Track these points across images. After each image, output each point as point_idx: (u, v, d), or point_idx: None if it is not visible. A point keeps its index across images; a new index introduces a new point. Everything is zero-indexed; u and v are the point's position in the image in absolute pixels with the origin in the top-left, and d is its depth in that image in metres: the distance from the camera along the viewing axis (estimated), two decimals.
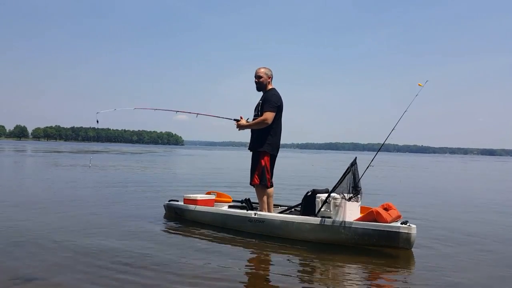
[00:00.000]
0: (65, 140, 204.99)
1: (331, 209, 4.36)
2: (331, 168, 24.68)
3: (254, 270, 3.63)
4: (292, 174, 17.09)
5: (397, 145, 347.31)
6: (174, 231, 5.02)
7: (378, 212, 4.13)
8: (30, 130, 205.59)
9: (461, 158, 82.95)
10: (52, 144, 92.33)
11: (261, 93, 5.23)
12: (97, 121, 5.59)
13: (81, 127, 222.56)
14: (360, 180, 4.63)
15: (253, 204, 5.52)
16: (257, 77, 5.14)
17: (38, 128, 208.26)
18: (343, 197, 4.33)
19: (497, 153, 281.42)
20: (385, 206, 4.49)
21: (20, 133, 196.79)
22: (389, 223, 4.13)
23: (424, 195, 9.88)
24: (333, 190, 4.38)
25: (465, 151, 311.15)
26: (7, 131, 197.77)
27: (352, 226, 4.22)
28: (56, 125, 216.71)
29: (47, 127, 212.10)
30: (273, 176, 5.20)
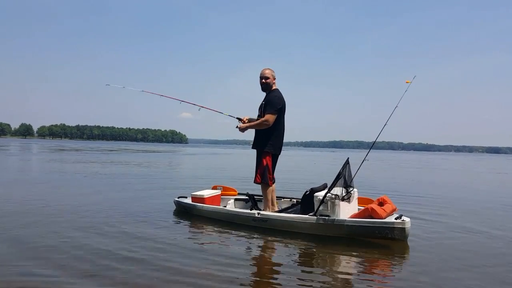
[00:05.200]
0: (70, 138, 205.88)
1: (328, 208, 4.60)
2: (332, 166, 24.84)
3: (256, 260, 3.85)
4: (296, 170, 17.30)
5: (401, 143, 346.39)
6: (182, 225, 5.27)
7: (373, 209, 4.36)
8: (35, 129, 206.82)
9: (467, 157, 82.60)
10: (65, 143, 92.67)
11: (264, 93, 5.41)
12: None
13: (86, 125, 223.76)
14: (353, 178, 4.86)
15: (256, 197, 5.77)
16: (264, 78, 5.31)
17: (43, 127, 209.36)
18: (338, 197, 4.56)
19: (503, 151, 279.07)
20: (380, 200, 4.71)
21: (25, 131, 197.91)
22: (384, 218, 4.35)
23: (427, 190, 10.00)
24: (329, 191, 4.62)
25: (470, 149, 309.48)
26: (13, 129, 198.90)
27: (348, 223, 4.46)
28: (61, 123, 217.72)
29: (52, 125, 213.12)
30: (277, 172, 5.42)
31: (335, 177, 4.64)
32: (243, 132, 5.35)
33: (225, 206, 6.00)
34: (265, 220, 5.03)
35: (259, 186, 5.32)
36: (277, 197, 5.65)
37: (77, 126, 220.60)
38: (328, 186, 4.73)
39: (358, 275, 3.43)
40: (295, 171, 17.65)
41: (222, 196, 6.17)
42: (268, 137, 5.19)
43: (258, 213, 5.10)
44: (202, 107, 6.01)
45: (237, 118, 5.52)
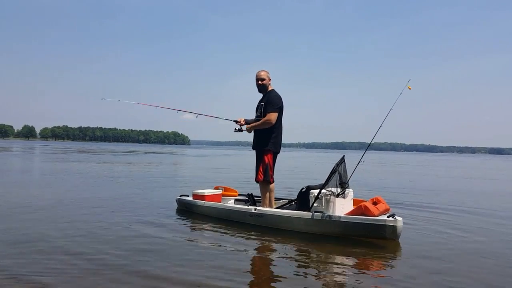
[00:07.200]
0: (73, 140, 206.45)
1: (323, 204, 4.74)
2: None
3: (252, 260, 3.94)
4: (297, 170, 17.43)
5: (404, 144, 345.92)
6: (181, 223, 5.39)
7: (366, 207, 4.47)
8: (38, 130, 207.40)
9: (471, 158, 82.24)
10: (69, 144, 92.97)
11: (261, 94, 5.57)
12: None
13: (89, 127, 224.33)
14: (349, 176, 4.97)
15: (256, 198, 5.91)
16: (260, 79, 5.48)
17: (46, 128, 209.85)
18: (332, 193, 4.69)
19: (505, 152, 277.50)
20: (374, 200, 4.82)
21: (28, 133, 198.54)
22: (377, 216, 4.47)
23: (424, 192, 10.08)
24: (323, 187, 4.74)
25: (473, 150, 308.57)
26: (15, 131, 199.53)
27: (342, 219, 4.57)
28: (63, 125, 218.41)
29: (54, 127, 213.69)
30: (277, 172, 5.55)
31: (329, 173, 4.76)
32: (250, 132, 5.53)
33: None
34: (262, 215, 5.15)
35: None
36: (276, 198, 5.78)
37: (80, 128, 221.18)
38: (323, 183, 4.85)
39: (352, 275, 3.47)
40: (295, 172, 17.77)
41: (223, 197, 6.34)
42: (268, 136, 5.34)
43: (255, 209, 5.24)
44: (199, 114, 6.20)
45: (234, 121, 5.68)
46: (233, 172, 16.82)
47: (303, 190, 5.05)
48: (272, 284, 3.23)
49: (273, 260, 3.88)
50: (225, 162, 27.95)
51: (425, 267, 3.67)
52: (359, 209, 4.52)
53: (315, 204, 4.78)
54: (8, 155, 26.13)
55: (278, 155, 5.54)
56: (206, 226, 5.30)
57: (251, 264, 3.76)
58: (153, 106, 6.63)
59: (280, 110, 5.37)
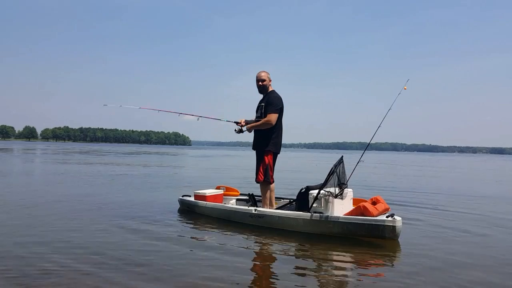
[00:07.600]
0: (74, 141, 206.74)
1: (322, 205, 4.78)
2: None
3: (253, 260, 3.96)
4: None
5: (405, 144, 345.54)
6: (182, 224, 5.43)
7: (365, 207, 4.50)
8: (39, 131, 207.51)
9: (473, 158, 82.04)
10: (69, 145, 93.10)
11: (261, 95, 5.61)
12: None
13: (89, 128, 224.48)
14: (349, 178, 5.00)
15: (256, 198, 5.96)
16: (261, 80, 5.52)
17: (47, 129, 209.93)
18: (331, 194, 4.73)
19: (507, 152, 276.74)
20: (373, 200, 4.86)
21: (29, 134, 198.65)
22: (376, 216, 4.50)
23: (422, 192, 10.10)
24: (322, 188, 4.79)
25: (474, 150, 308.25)
26: (17, 132, 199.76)
27: (341, 220, 4.60)
28: (64, 126, 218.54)
29: (55, 128, 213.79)
30: (278, 172, 5.57)
31: (327, 174, 4.80)
32: (250, 132, 5.56)
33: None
34: (262, 216, 5.20)
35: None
36: (276, 197, 5.83)
37: (80, 129, 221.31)
38: (322, 183, 4.89)
39: (352, 274, 3.48)
40: (296, 172, 17.81)
41: (224, 196, 6.39)
42: (269, 136, 5.38)
43: (255, 210, 5.29)
44: (201, 116, 6.23)
45: (234, 122, 5.73)
46: (234, 172, 16.87)
47: (302, 191, 5.10)
48: (273, 285, 3.25)
49: (273, 261, 3.91)
50: (227, 162, 28.00)
51: (425, 266, 3.69)
52: (358, 209, 4.56)
53: (314, 205, 4.83)
54: (11, 156, 26.18)
55: (279, 155, 5.57)
56: (206, 227, 5.33)
57: (251, 265, 3.77)
58: (155, 110, 6.65)
59: (280, 111, 5.41)
